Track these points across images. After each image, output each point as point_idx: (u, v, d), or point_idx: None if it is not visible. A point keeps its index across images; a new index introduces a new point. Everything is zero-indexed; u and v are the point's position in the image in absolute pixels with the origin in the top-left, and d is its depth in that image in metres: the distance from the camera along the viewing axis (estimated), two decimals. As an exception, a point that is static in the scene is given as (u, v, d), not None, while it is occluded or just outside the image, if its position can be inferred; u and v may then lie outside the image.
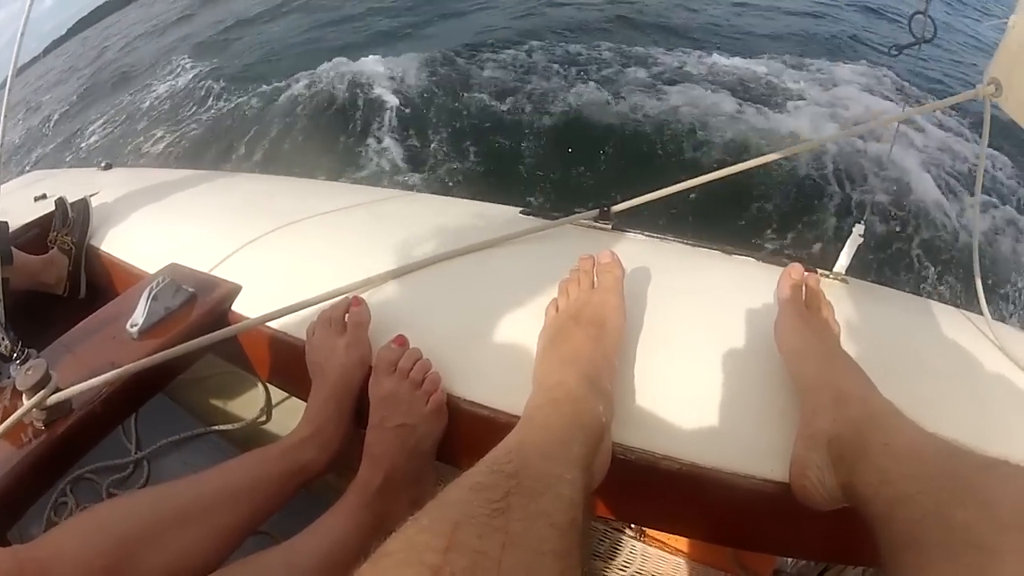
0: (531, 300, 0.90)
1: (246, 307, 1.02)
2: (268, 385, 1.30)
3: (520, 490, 0.46)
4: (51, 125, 8.45)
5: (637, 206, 1.12)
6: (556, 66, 6.28)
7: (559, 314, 0.83)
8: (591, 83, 5.80)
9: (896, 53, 1.16)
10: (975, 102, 1.00)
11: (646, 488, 0.79)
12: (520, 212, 1.19)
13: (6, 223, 1.28)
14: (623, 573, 1.10)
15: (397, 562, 0.39)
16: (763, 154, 1.11)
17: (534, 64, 6.39)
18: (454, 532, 0.40)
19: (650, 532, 1.11)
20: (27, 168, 7.20)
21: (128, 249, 1.25)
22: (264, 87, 6.85)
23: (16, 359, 0.99)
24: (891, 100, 5.19)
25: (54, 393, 0.82)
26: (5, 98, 1.08)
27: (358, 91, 6.12)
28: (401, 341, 0.85)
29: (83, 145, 7.33)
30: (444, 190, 4.65)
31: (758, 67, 6.10)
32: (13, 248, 1.22)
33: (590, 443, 0.63)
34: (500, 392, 0.81)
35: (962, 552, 0.44)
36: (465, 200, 1.32)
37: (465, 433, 0.84)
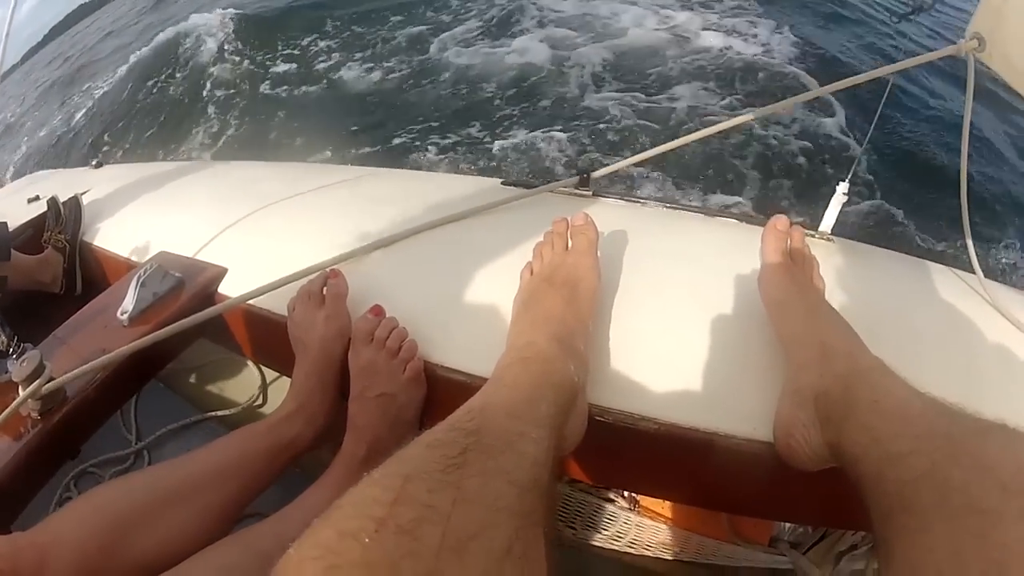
0: (509, 267, 0.90)
1: (234, 289, 1.03)
2: (262, 368, 1.31)
3: (479, 447, 0.46)
4: (38, 130, 8.50)
5: (618, 172, 1.12)
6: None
7: (532, 277, 0.83)
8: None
9: (897, 21, 1.15)
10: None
11: (626, 450, 0.79)
12: (501, 183, 1.19)
13: (5, 223, 1.30)
14: (617, 544, 1.10)
15: (344, 515, 0.39)
16: (741, 114, 1.11)
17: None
18: (403, 485, 0.40)
19: (643, 502, 1.10)
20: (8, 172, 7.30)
21: (120, 242, 1.26)
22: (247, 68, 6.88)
23: (13, 354, 1.01)
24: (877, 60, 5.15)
25: (48, 382, 0.84)
26: None
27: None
28: (377, 311, 0.86)
29: (72, 145, 7.36)
30: (425, 166, 4.65)
31: (743, 29, 6.05)
32: (11, 249, 1.24)
33: (561, 403, 0.62)
34: (477, 358, 0.82)
35: (962, 515, 0.42)
36: (446, 174, 1.33)
37: (444, 400, 0.84)
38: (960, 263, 1.08)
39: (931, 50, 1.02)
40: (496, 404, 0.57)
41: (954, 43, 0.98)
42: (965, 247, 1.05)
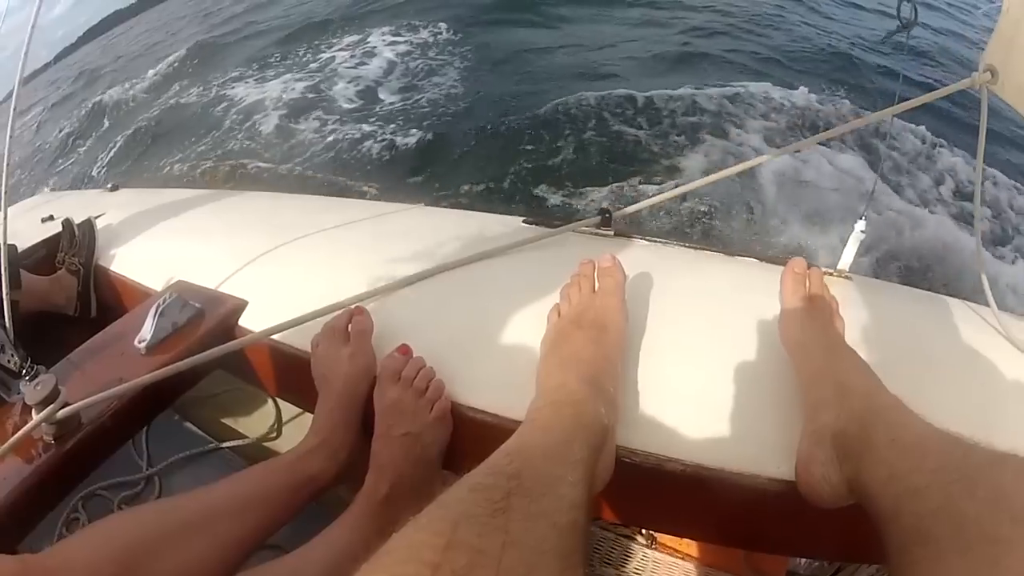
0: (534, 307, 0.91)
1: (253, 322, 1.03)
2: (278, 401, 1.30)
3: (521, 491, 0.46)
4: (61, 140, 8.46)
5: (639, 212, 1.13)
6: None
7: (560, 319, 0.84)
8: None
9: (887, 38, 1.16)
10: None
11: (652, 491, 0.79)
12: (523, 221, 1.20)
13: (15, 246, 1.30)
14: (634, 579, 1.09)
15: (396, 560, 0.39)
16: (758, 156, 1.12)
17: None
18: (454, 531, 0.40)
19: (661, 539, 1.10)
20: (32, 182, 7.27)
21: (135, 268, 1.26)
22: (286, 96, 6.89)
23: (26, 376, 1.01)
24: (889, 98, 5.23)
25: (63, 408, 0.83)
26: (13, 106, 1.09)
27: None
28: (405, 350, 0.86)
29: (92, 159, 7.36)
30: (448, 203, 4.65)
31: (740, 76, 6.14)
32: (22, 271, 1.23)
33: (592, 444, 0.62)
34: (504, 398, 0.82)
35: (975, 545, 0.43)
36: (468, 211, 1.33)
37: (470, 440, 0.84)
38: (975, 296, 1.09)
39: (936, 79, 1.03)
40: (532, 447, 0.57)
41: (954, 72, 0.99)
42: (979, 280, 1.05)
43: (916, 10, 1.06)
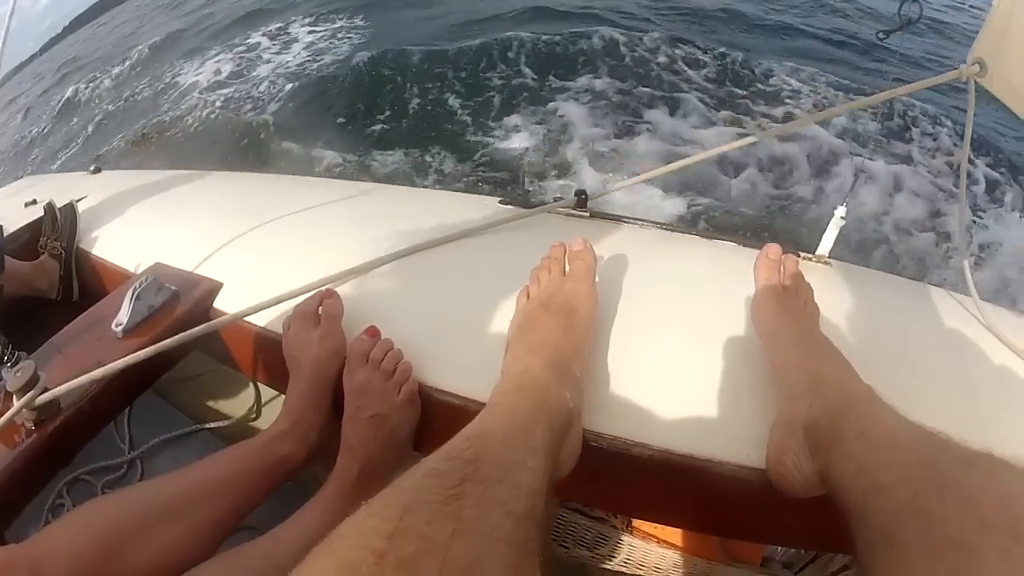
0: (506, 289, 0.90)
1: (229, 304, 1.03)
2: (257, 382, 1.30)
3: (477, 476, 0.46)
4: (46, 126, 8.48)
5: (616, 192, 1.12)
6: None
7: (529, 301, 0.83)
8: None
9: (883, 37, 1.15)
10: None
11: (620, 475, 0.79)
12: (499, 202, 1.19)
13: (0, 227, 1.30)
14: (609, 564, 1.10)
15: (344, 546, 0.39)
16: (742, 137, 1.11)
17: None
18: (402, 517, 0.40)
19: (637, 524, 1.10)
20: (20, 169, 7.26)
21: (116, 251, 1.26)
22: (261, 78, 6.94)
23: (7, 362, 1.01)
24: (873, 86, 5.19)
25: (42, 393, 0.84)
26: None
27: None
28: (373, 332, 0.86)
29: (76, 145, 7.39)
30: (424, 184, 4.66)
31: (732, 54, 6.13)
32: (6, 257, 1.23)
33: (556, 430, 0.62)
34: (472, 381, 0.82)
35: (941, 550, 0.42)
36: (444, 191, 1.33)
37: (438, 422, 0.84)
38: (957, 285, 1.09)
39: (927, 68, 1.02)
40: (493, 432, 0.57)
41: (952, 66, 0.98)
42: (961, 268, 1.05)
43: (921, 8, 1.05)
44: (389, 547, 0.38)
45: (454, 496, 0.43)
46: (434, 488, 0.44)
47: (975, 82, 0.96)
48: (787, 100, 5.32)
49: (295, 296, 0.95)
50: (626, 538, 1.07)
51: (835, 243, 1.05)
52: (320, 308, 0.90)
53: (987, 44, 0.94)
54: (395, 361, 0.83)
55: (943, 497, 0.45)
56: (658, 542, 1.08)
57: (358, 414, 0.82)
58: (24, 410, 0.83)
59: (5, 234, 1.34)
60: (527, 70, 6.11)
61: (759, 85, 5.56)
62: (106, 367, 0.87)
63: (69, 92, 9.07)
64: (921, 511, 0.45)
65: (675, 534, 1.09)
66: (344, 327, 0.90)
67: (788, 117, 4.98)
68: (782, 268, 0.87)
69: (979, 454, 0.49)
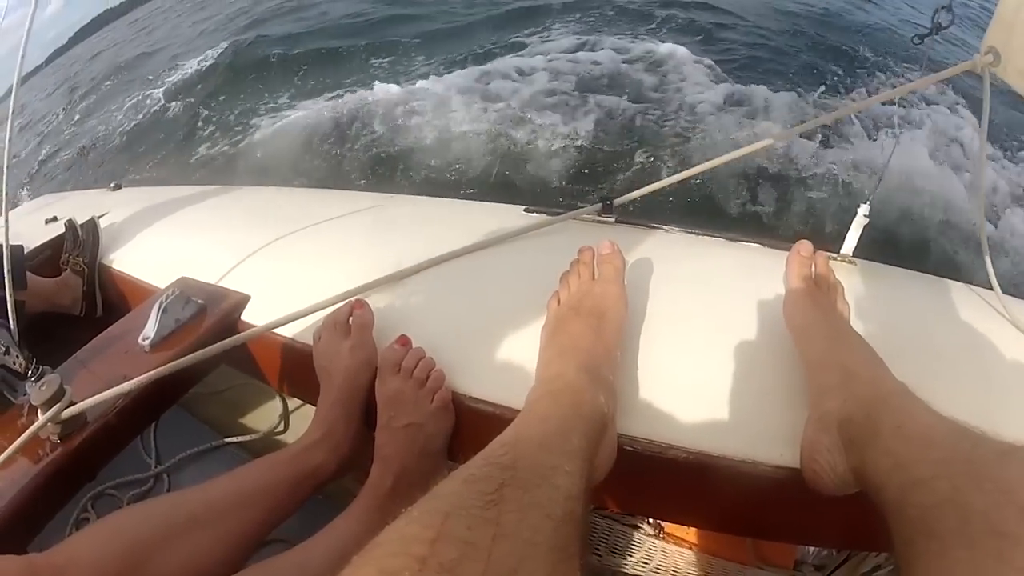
0: (535, 295, 0.90)
1: (256, 316, 1.03)
2: (284, 395, 1.31)
3: (515, 482, 0.46)
4: (61, 140, 8.51)
5: (640, 198, 1.12)
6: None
7: (559, 306, 0.83)
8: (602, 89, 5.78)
9: (919, 42, 1.15)
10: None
11: (654, 479, 0.79)
12: (524, 210, 1.19)
13: (21, 247, 1.31)
14: (643, 570, 1.09)
15: (385, 553, 0.39)
16: (762, 140, 1.10)
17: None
18: (443, 523, 0.40)
19: (668, 528, 1.10)
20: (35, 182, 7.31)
21: (139, 266, 1.27)
22: (270, 97, 6.92)
23: (31, 376, 1.01)
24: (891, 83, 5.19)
25: (68, 407, 0.84)
26: (11, 107, 1.09)
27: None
28: (404, 341, 0.86)
29: (90, 158, 7.43)
30: (450, 193, 4.66)
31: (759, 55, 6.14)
32: (29, 273, 1.24)
33: (591, 434, 0.62)
34: (505, 388, 0.81)
35: (981, 539, 0.42)
36: (469, 201, 1.33)
37: (472, 430, 0.84)
38: (980, 280, 1.08)
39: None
40: (528, 438, 0.57)
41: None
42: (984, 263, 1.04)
43: (953, 15, 1.05)
44: (431, 552, 0.38)
45: (493, 501, 0.43)
46: (473, 494, 0.44)
47: (990, 72, 0.94)
48: (806, 103, 5.32)
49: (324, 307, 0.95)
50: (658, 544, 1.07)
51: (858, 242, 1.04)
52: (350, 318, 0.90)
53: (999, 33, 0.92)
54: (427, 370, 0.83)
55: (982, 489, 0.45)
56: (690, 547, 1.07)
57: (391, 424, 0.81)
58: (49, 424, 0.83)
59: (26, 251, 1.35)
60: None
61: (778, 87, 5.56)
62: (133, 381, 0.87)
63: (80, 111, 9.13)
64: (962, 503, 0.45)
65: (707, 538, 1.09)
66: (375, 337, 0.90)
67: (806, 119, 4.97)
68: (813, 265, 0.87)
69: (1014, 447, 0.49)
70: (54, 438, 0.86)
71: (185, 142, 6.70)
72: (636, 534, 1.06)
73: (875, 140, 4.52)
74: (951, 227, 3.82)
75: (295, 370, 0.98)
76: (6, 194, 1.01)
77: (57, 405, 0.82)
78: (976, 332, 0.89)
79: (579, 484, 0.51)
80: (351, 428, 0.86)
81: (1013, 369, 0.83)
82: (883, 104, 1.04)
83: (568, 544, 0.44)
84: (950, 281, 1.05)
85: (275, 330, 0.96)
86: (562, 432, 0.59)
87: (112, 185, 1.80)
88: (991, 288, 0.99)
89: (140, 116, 7.80)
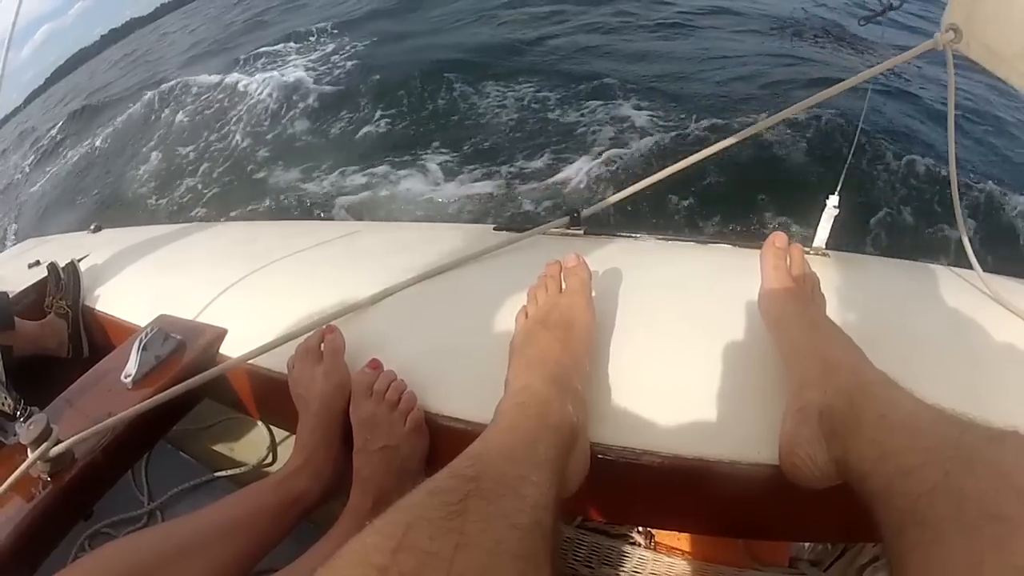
0: (505, 312, 0.91)
1: (234, 349, 1.04)
2: (270, 426, 1.31)
3: (479, 492, 0.46)
4: (43, 182, 8.61)
5: (611, 208, 1.13)
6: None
7: (527, 320, 0.84)
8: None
9: (863, 23, 1.15)
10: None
11: (633, 486, 0.78)
12: (493, 228, 1.20)
13: (6, 293, 1.32)
14: (634, 580, 1.09)
15: (346, 563, 0.40)
16: (725, 137, 1.11)
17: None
18: (405, 534, 0.41)
19: (659, 537, 1.09)
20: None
21: (121, 306, 1.28)
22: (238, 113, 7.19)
23: (20, 417, 1.02)
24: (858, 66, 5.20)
25: (56, 444, 0.85)
26: None
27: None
28: (375, 365, 0.86)
29: (69, 205, 7.54)
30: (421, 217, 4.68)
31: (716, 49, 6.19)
32: (15, 317, 1.25)
33: (560, 444, 0.62)
34: (478, 405, 0.81)
35: (978, 524, 0.41)
36: (438, 223, 1.34)
37: (448, 448, 0.84)
38: (959, 260, 1.07)
39: (906, 48, 1.01)
40: (495, 449, 0.57)
41: (929, 37, 0.96)
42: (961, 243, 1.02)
43: None
44: (392, 562, 0.38)
45: (457, 512, 0.43)
46: (437, 505, 0.44)
47: (952, 49, 0.93)
48: (763, 98, 5.33)
49: (298, 336, 0.95)
50: (649, 554, 1.07)
51: (830, 234, 1.04)
52: (322, 344, 0.91)
53: (960, 8, 0.92)
54: (399, 392, 0.84)
55: (976, 474, 0.44)
56: (682, 554, 1.07)
57: (367, 447, 0.82)
58: (39, 462, 0.84)
59: (11, 296, 1.36)
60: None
61: (740, 84, 5.57)
62: (117, 417, 0.89)
63: (59, 154, 9.23)
64: (954, 489, 0.44)
65: (698, 544, 1.08)
66: (347, 362, 0.90)
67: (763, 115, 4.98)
68: (788, 257, 0.86)
69: (1005, 432, 0.48)
70: (44, 476, 0.87)
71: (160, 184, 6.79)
72: (626, 545, 1.06)
73: (838, 129, 4.50)
74: (924, 210, 3.82)
75: (274, 399, 0.99)
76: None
77: (45, 443, 0.84)
78: (959, 313, 0.88)
79: (548, 494, 0.51)
80: (331, 452, 0.87)
81: (1000, 348, 0.82)
82: (846, 91, 1.04)
83: (536, 553, 0.45)
84: (929, 264, 1.04)
85: (253, 361, 0.97)
86: (528, 443, 0.59)
87: (92, 227, 1.82)
88: (971, 268, 0.97)
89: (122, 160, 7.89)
